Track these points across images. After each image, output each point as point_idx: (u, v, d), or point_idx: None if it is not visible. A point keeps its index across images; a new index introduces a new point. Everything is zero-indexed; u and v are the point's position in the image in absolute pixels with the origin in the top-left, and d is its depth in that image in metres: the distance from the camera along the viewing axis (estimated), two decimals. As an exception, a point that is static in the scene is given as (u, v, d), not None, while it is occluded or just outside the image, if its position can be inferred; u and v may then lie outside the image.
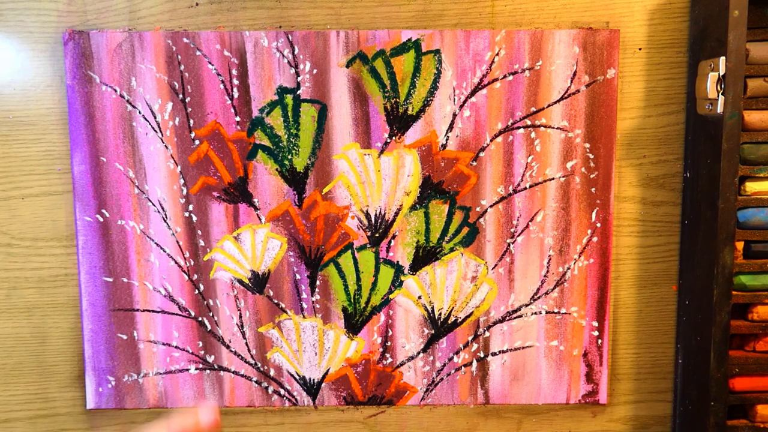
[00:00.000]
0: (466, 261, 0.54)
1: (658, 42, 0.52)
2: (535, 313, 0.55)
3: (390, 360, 0.55)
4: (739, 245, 0.50)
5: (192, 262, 0.54)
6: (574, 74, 0.52)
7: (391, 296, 0.54)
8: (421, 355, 0.55)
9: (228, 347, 0.55)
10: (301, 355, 0.55)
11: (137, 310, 0.54)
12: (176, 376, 0.55)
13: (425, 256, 0.54)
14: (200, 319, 0.54)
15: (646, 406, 0.56)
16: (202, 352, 0.55)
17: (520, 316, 0.55)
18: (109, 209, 0.53)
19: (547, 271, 0.54)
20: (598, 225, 0.54)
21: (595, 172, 0.53)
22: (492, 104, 0.52)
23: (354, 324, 0.55)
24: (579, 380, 0.55)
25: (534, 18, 0.52)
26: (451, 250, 0.54)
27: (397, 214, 0.53)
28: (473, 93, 0.52)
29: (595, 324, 0.55)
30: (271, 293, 0.54)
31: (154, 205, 0.53)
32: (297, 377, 0.55)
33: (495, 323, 0.55)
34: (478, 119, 0.52)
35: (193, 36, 0.51)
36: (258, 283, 0.54)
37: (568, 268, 0.54)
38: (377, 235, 0.54)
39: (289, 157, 0.53)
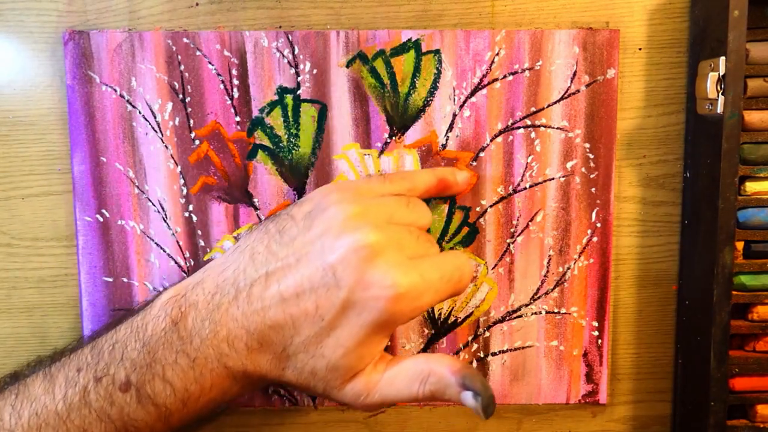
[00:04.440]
0: (466, 261, 0.54)
1: (658, 42, 0.52)
2: (535, 313, 0.55)
3: (390, 360, 0.55)
4: (739, 245, 0.50)
5: (192, 262, 0.54)
6: (574, 74, 0.52)
7: (391, 296, 0.54)
8: (421, 355, 0.55)
9: (228, 347, 0.55)
10: (301, 355, 0.55)
11: (137, 310, 0.54)
12: (176, 376, 0.55)
13: (425, 256, 0.54)
14: (200, 319, 0.54)
15: (646, 406, 0.56)
16: (202, 352, 0.55)
17: (520, 316, 0.55)
18: (109, 209, 0.53)
19: (547, 271, 0.54)
20: (598, 225, 0.54)
21: (595, 172, 0.53)
22: (492, 104, 0.52)
23: (354, 324, 0.55)
24: (579, 380, 0.55)
25: (534, 18, 0.52)
26: (451, 249, 0.54)
27: (397, 214, 0.53)
28: (473, 93, 0.52)
29: (595, 324, 0.55)
30: (271, 293, 0.54)
31: (154, 205, 0.53)
32: (297, 377, 0.55)
33: (495, 323, 0.55)
34: (478, 119, 0.52)
35: (193, 36, 0.51)
36: (258, 283, 0.54)
37: (568, 268, 0.54)
38: (377, 235, 0.53)
39: (289, 157, 0.53)
